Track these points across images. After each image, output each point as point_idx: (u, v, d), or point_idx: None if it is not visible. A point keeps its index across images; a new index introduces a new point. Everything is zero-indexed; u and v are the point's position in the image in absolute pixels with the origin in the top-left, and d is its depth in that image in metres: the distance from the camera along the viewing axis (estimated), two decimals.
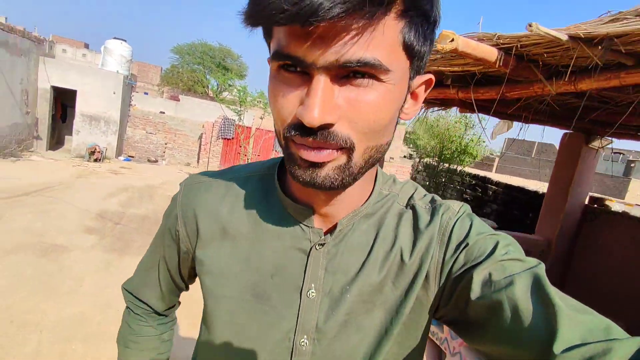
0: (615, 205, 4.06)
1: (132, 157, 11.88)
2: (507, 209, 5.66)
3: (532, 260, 0.45)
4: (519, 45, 1.57)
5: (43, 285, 3.39)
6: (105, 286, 3.54)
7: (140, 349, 0.69)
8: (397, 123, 0.47)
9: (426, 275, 0.49)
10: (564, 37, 1.36)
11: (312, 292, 0.51)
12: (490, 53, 1.62)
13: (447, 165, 6.81)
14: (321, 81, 0.37)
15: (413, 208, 0.54)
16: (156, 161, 12.20)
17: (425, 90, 0.48)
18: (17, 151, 9.14)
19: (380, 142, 0.43)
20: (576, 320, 0.36)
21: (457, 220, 0.51)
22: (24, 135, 9.61)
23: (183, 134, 12.64)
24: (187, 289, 0.70)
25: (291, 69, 0.39)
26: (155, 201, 7.08)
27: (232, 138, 11.95)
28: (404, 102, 0.45)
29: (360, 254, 0.51)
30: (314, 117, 0.36)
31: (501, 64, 1.66)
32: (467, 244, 0.48)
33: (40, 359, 2.53)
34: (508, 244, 0.47)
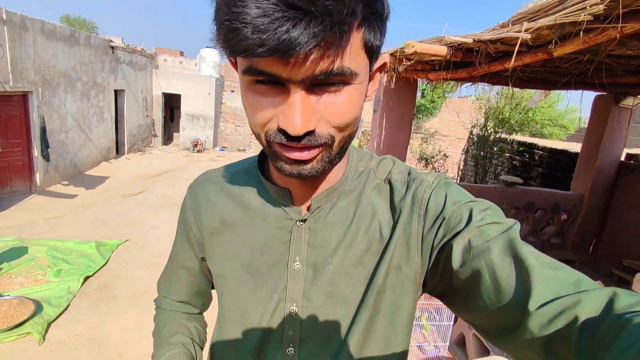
0: None
1: (225, 147, 13.71)
2: (551, 171, 5.89)
3: (509, 221, 0.45)
4: (456, 44, 2.48)
5: None
6: None
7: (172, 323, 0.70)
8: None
9: (407, 248, 0.51)
10: (470, 40, 2.27)
11: (297, 265, 0.55)
12: (441, 50, 2.55)
13: (495, 135, 7.16)
14: (298, 93, 0.39)
15: (390, 182, 0.55)
16: (244, 150, 13.90)
17: (381, 72, 0.50)
18: (142, 147, 11.50)
19: (353, 130, 0.46)
20: (549, 276, 0.37)
21: (432, 192, 0.51)
22: (146, 134, 11.88)
23: None
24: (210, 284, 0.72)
25: (265, 81, 0.40)
26: None
27: None
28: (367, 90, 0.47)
29: (340, 229, 0.54)
30: (297, 127, 0.39)
31: (451, 56, 2.58)
32: (444, 216, 0.48)
33: None
34: (485, 208, 0.47)
